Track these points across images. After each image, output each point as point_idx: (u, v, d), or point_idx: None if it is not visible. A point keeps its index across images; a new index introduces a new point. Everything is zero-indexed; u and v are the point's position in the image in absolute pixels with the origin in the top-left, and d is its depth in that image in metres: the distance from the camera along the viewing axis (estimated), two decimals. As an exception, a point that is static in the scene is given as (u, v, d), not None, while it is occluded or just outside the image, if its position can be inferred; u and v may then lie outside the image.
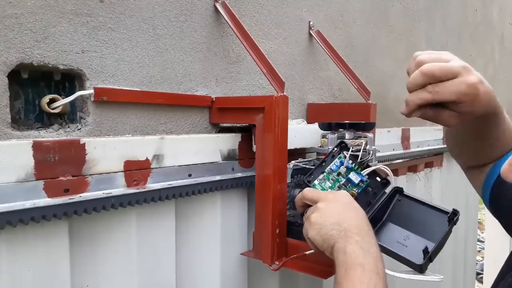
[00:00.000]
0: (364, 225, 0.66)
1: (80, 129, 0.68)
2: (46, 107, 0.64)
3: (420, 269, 0.66)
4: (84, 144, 0.63)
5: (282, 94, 0.79)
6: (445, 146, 1.83)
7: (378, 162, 0.92)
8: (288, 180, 0.86)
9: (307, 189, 0.76)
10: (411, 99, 0.63)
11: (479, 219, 3.47)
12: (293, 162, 0.91)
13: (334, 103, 1.24)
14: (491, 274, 3.00)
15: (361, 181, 0.81)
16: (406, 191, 0.81)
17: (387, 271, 0.68)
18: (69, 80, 0.69)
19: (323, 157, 0.85)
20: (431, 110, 0.64)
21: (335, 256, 0.63)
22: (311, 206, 0.72)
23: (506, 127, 0.71)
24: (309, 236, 0.68)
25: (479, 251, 4.16)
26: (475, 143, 0.75)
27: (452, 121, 0.64)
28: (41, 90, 0.66)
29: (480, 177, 0.78)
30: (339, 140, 0.86)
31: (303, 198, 0.74)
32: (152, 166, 0.72)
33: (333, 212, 0.67)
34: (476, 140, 0.74)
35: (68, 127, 0.68)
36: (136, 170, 0.70)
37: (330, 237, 0.65)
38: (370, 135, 0.89)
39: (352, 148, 0.84)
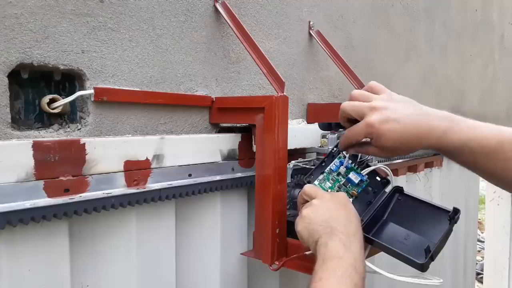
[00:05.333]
0: (352, 226, 0.66)
1: (80, 129, 0.68)
2: (46, 107, 0.64)
3: (422, 268, 0.66)
4: (84, 144, 0.63)
5: (282, 94, 0.79)
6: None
7: (378, 162, 0.92)
8: (288, 180, 0.86)
9: (307, 185, 0.76)
10: (341, 142, 0.75)
11: (479, 219, 3.47)
12: (293, 162, 0.91)
13: (334, 103, 1.23)
14: (491, 274, 3.00)
15: (361, 181, 0.81)
16: (406, 190, 0.81)
17: (386, 273, 0.68)
18: (69, 80, 0.69)
19: (323, 157, 0.85)
20: (360, 147, 0.73)
21: (317, 250, 0.64)
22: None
23: (485, 163, 0.65)
24: (298, 229, 0.70)
25: (479, 251, 4.16)
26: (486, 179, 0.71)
27: (378, 153, 0.70)
28: (41, 90, 0.66)
29: None
30: (338, 140, 0.86)
31: (303, 194, 0.75)
32: (152, 166, 0.72)
33: (325, 210, 0.68)
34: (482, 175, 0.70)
35: (68, 127, 0.68)
36: (136, 170, 0.70)
37: (315, 232, 0.66)
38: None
39: (352, 148, 0.84)
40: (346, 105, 0.70)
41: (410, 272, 0.69)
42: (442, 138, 0.64)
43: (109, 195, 0.66)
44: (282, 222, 0.82)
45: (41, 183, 0.58)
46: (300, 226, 0.69)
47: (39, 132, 0.64)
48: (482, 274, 3.26)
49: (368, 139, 0.70)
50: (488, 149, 0.63)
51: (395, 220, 0.77)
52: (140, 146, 0.70)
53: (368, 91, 0.71)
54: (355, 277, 0.58)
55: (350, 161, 0.82)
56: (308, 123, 1.11)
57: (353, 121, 0.70)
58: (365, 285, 0.60)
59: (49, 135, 0.65)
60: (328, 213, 0.67)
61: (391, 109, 0.66)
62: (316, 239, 0.65)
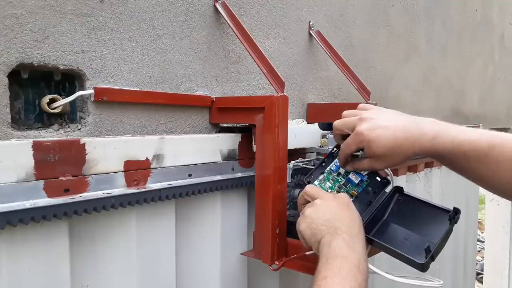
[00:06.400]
0: (355, 227, 0.66)
1: (80, 129, 0.68)
2: (46, 107, 0.64)
3: (422, 268, 0.66)
4: (84, 144, 0.63)
5: (282, 94, 0.79)
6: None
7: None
8: (288, 180, 0.86)
9: (308, 185, 0.76)
10: (339, 156, 0.77)
11: (479, 219, 3.47)
12: (293, 162, 0.91)
13: (334, 103, 1.24)
14: (491, 274, 3.00)
15: (361, 181, 0.81)
16: (406, 191, 0.80)
17: (386, 275, 0.68)
18: (69, 80, 0.69)
19: (323, 157, 0.85)
20: (355, 163, 0.74)
21: (320, 250, 0.64)
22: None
23: (477, 166, 0.66)
24: (300, 229, 0.69)
25: (479, 251, 4.16)
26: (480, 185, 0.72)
27: (373, 165, 0.71)
28: (41, 90, 0.66)
29: None
30: (339, 140, 0.86)
31: (304, 194, 0.75)
32: (152, 166, 0.72)
33: (327, 210, 0.68)
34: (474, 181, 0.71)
35: (68, 127, 0.68)
36: (136, 170, 0.70)
37: (318, 232, 0.66)
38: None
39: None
40: (337, 122, 0.73)
41: (410, 272, 0.69)
42: (435, 142, 0.66)
43: (109, 195, 0.66)
44: (282, 222, 0.82)
45: (41, 183, 0.58)
46: (303, 225, 0.69)
47: (39, 132, 0.64)
48: (482, 274, 3.26)
49: (361, 153, 0.73)
50: (480, 152, 0.64)
51: (395, 220, 0.77)
52: (140, 146, 0.70)
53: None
54: (359, 277, 0.58)
55: (350, 161, 0.82)
56: (308, 123, 1.11)
57: (346, 137, 0.72)
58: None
59: (49, 135, 0.65)
60: (331, 213, 0.67)
61: (379, 118, 0.69)
62: (319, 239, 0.65)
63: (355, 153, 0.75)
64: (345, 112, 0.74)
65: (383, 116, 0.69)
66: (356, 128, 0.69)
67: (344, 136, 0.73)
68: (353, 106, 1.10)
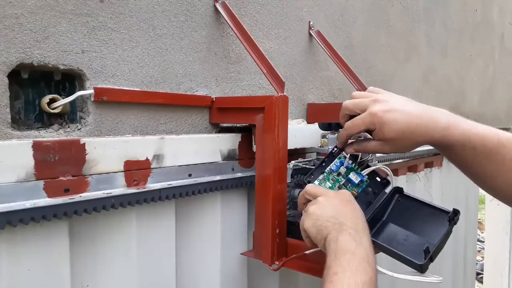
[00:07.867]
0: (360, 222, 0.66)
1: (80, 129, 0.68)
2: (46, 107, 0.64)
3: (421, 269, 0.66)
4: (84, 144, 0.63)
5: (282, 94, 0.79)
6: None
7: (378, 162, 0.92)
8: (288, 180, 0.86)
9: (309, 185, 0.76)
10: (340, 136, 0.75)
11: (479, 219, 3.47)
12: (293, 162, 0.91)
13: (334, 103, 1.23)
14: (491, 274, 3.00)
15: (361, 181, 0.81)
16: (406, 191, 0.81)
17: (386, 272, 0.68)
18: (69, 80, 0.69)
19: (323, 157, 0.85)
20: (359, 144, 0.73)
21: (327, 246, 0.64)
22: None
23: (483, 161, 0.65)
24: (305, 227, 0.69)
25: (479, 251, 4.16)
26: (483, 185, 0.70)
27: (379, 148, 0.70)
28: (41, 90, 0.66)
29: None
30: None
31: (305, 193, 0.75)
32: (152, 166, 0.72)
33: (331, 207, 0.68)
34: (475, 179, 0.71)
35: (68, 127, 0.68)
36: (136, 170, 0.70)
37: (324, 229, 0.65)
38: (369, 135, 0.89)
39: (352, 148, 0.84)
40: (349, 102, 0.71)
41: (410, 270, 0.69)
42: (447, 132, 0.65)
43: (109, 195, 0.66)
44: (282, 222, 0.82)
45: (41, 183, 0.58)
46: (307, 223, 0.68)
47: (39, 132, 0.64)
48: (482, 274, 3.27)
49: (368, 135, 0.71)
50: (489, 148, 0.64)
51: (395, 220, 0.77)
52: (140, 146, 0.70)
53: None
54: (370, 271, 0.58)
55: (350, 161, 0.82)
56: (308, 123, 1.11)
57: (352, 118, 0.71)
58: None
59: (49, 135, 0.65)
60: (335, 209, 0.67)
61: (393, 102, 0.68)
62: (325, 235, 0.65)
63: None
64: (356, 93, 0.73)
65: (398, 100, 0.68)
66: (369, 108, 0.67)
67: (351, 117, 0.71)
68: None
